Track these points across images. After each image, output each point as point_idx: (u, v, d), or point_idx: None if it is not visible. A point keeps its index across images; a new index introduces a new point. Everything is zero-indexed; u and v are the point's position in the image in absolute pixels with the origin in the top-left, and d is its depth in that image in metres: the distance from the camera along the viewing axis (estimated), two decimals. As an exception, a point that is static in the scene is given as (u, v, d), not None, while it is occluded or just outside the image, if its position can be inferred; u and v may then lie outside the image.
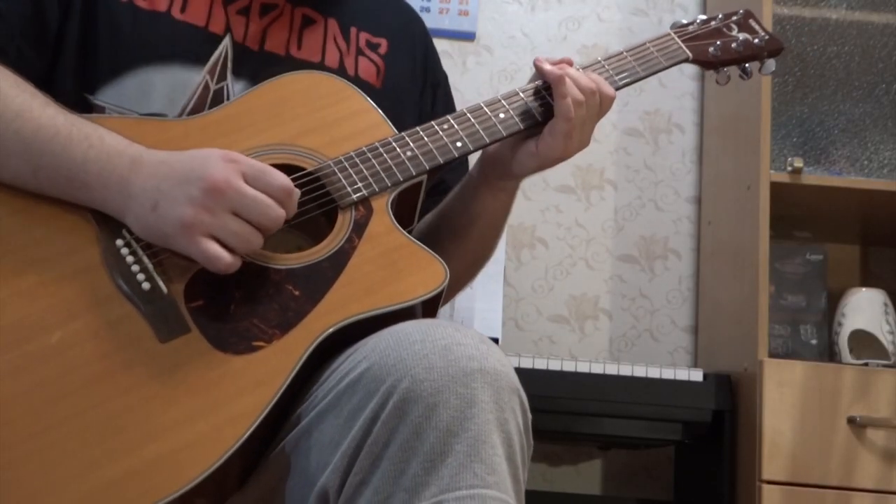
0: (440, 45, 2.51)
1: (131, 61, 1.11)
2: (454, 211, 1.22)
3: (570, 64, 1.15)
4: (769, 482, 1.82)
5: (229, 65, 1.15)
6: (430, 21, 2.36)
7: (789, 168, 2.03)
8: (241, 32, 1.17)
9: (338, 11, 1.26)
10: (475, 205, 1.20)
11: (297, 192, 0.99)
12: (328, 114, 1.12)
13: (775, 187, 2.00)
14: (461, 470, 0.79)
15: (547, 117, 1.12)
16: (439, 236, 1.21)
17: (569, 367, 1.94)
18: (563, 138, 1.10)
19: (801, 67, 2.20)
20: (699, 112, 2.50)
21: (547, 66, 1.12)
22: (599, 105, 1.13)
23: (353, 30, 1.26)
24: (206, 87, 1.13)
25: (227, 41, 1.16)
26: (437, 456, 0.80)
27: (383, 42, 1.29)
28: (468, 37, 2.51)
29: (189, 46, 1.14)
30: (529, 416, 0.88)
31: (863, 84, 2.19)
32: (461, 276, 1.25)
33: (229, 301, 0.96)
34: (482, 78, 2.47)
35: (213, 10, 1.17)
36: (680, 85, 2.50)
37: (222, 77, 1.14)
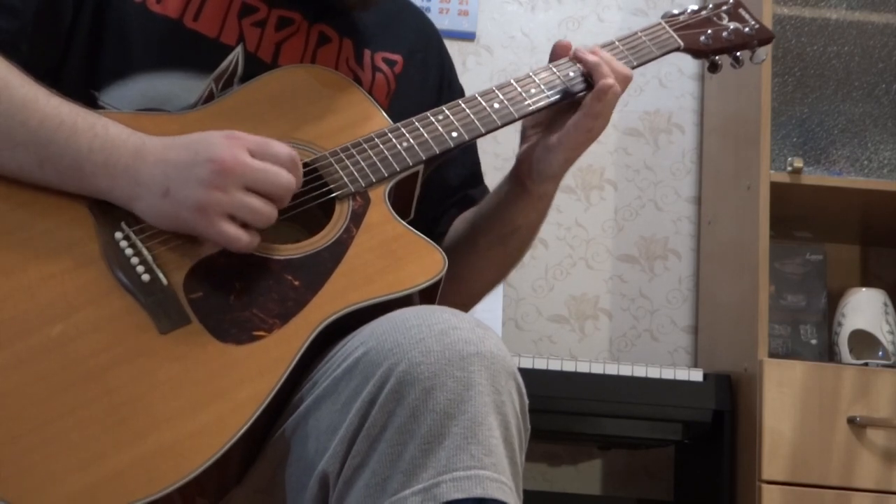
0: (440, 45, 2.52)
1: (137, 65, 1.11)
2: (495, 221, 1.22)
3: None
4: (769, 482, 1.82)
5: (238, 72, 1.15)
6: (430, 21, 2.39)
7: (789, 168, 2.04)
8: (255, 43, 1.17)
9: (354, 32, 1.25)
10: (517, 216, 1.21)
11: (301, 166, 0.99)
12: (324, 105, 1.13)
13: (775, 187, 2.00)
14: (458, 452, 0.79)
15: (542, 105, 1.13)
16: (477, 245, 1.23)
17: (569, 367, 1.94)
18: (593, 119, 1.11)
19: (801, 67, 2.20)
20: (699, 112, 2.51)
21: (588, 56, 1.14)
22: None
23: (367, 52, 1.26)
24: (211, 94, 1.13)
25: (238, 50, 1.15)
26: (434, 438, 0.80)
27: (399, 60, 1.28)
28: (468, 37, 2.51)
29: (197, 56, 1.13)
30: (526, 400, 0.88)
31: (863, 84, 2.19)
32: (495, 282, 1.29)
33: (229, 292, 0.96)
34: (482, 78, 2.47)
35: (226, 22, 1.16)
36: (680, 85, 2.51)
37: (228, 85, 1.14)
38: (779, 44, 2.17)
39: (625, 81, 1.13)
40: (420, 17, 1.38)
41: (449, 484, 0.78)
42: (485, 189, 1.34)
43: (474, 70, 2.49)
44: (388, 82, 1.26)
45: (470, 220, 1.26)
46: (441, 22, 2.47)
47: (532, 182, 1.17)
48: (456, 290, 1.22)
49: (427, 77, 1.32)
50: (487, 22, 2.53)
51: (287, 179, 0.96)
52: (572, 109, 1.14)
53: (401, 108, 1.23)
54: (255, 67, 1.15)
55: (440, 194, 1.27)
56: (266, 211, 0.95)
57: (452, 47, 2.53)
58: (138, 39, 1.11)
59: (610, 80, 1.10)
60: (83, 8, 1.11)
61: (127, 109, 1.10)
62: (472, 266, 1.23)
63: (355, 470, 0.82)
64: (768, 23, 2.05)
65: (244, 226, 0.95)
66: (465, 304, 1.27)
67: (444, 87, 1.34)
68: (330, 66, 1.21)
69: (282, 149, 0.97)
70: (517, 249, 1.25)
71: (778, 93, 2.15)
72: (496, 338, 0.87)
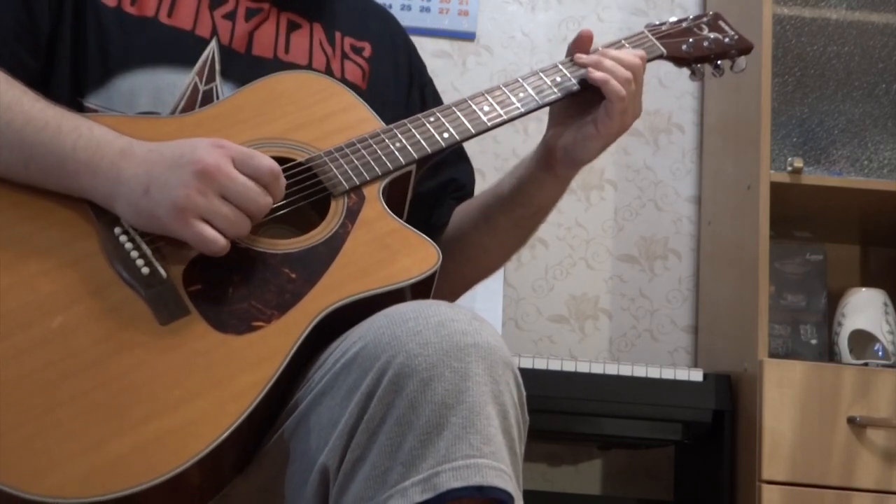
0: (440, 45, 2.52)
1: (119, 66, 1.14)
2: (517, 204, 1.26)
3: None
4: (769, 482, 1.82)
5: (217, 67, 1.18)
6: (430, 21, 2.39)
7: (789, 168, 2.04)
8: (228, 36, 1.20)
9: (322, 17, 1.29)
10: (540, 197, 1.26)
11: (283, 179, 1.01)
12: (318, 110, 1.15)
13: (775, 187, 2.00)
14: (456, 441, 0.80)
15: (531, 108, 1.18)
16: (497, 227, 1.28)
17: (569, 367, 1.94)
18: (619, 115, 1.16)
19: (801, 67, 2.20)
20: (699, 112, 2.51)
21: (583, 58, 1.20)
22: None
23: (338, 34, 1.30)
24: (196, 88, 1.15)
25: (213, 44, 1.18)
26: (432, 429, 0.81)
27: (367, 46, 1.33)
28: (468, 37, 2.51)
29: (176, 50, 1.16)
30: (524, 391, 0.89)
31: (863, 84, 2.19)
32: (507, 258, 1.35)
33: (227, 284, 0.97)
34: (482, 78, 2.46)
35: (199, 15, 1.20)
36: (680, 85, 2.51)
37: (211, 78, 1.17)
38: (779, 44, 2.17)
39: (637, 68, 1.18)
40: (382, 10, 1.43)
41: (448, 473, 0.79)
42: (470, 169, 1.39)
43: (474, 70, 2.49)
44: (361, 66, 1.30)
45: (483, 204, 1.30)
46: (441, 22, 2.47)
47: (563, 166, 1.22)
48: (467, 273, 1.30)
49: (398, 60, 1.36)
50: (487, 22, 2.53)
51: (263, 201, 0.97)
52: (603, 97, 1.18)
53: (377, 89, 1.28)
54: (231, 59, 1.19)
55: (429, 169, 1.28)
56: (240, 222, 0.96)
57: (453, 47, 2.55)
58: (118, 41, 1.14)
59: (621, 93, 1.15)
60: (62, 16, 1.14)
61: (118, 111, 1.12)
62: (487, 246, 1.29)
63: (355, 463, 0.83)
64: (768, 23, 2.06)
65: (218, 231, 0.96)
66: (479, 278, 1.34)
67: (415, 71, 1.38)
68: (304, 49, 1.25)
69: (263, 163, 0.98)
70: (535, 227, 1.30)
71: (778, 93, 2.15)
72: (493, 330, 0.88)
